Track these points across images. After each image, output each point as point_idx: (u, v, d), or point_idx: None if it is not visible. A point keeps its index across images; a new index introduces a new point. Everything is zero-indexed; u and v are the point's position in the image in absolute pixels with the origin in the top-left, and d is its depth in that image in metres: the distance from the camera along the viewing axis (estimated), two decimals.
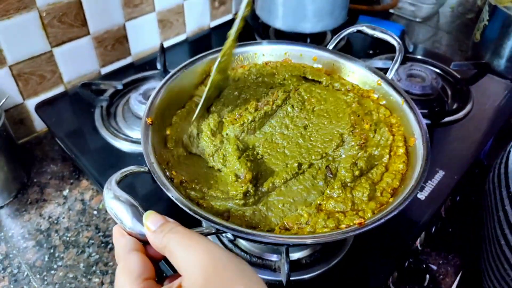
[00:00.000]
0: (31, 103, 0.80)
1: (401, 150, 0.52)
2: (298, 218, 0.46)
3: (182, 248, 0.33)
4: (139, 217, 0.36)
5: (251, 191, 0.48)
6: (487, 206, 0.64)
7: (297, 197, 0.49)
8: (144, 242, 0.37)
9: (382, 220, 0.40)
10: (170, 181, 0.45)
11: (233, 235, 0.40)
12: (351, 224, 0.43)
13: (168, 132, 0.54)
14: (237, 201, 0.47)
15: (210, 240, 0.33)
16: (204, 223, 0.41)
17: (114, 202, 0.37)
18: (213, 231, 0.39)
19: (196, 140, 0.55)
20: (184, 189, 0.47)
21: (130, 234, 0.36)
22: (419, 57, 0.97)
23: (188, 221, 0.41)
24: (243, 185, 0.48)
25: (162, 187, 0.43)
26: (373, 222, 0.41)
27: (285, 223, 0.45)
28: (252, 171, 0.49)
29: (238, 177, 0.49)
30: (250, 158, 0.52)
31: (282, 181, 0.50)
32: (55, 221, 0.67)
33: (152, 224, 0.35)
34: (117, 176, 0.40)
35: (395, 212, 0.41)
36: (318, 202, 0.47)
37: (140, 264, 0.34)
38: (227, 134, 0.55)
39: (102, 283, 0.59)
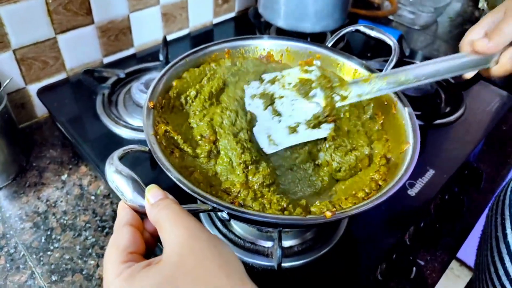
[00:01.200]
0: (33, 88, 0.81)
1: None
2: (232, 184, 0.49)
3: (169, 224, 0.34)
4: (139, 190, 0.38)
5: (214, 151, 0.52)
6: (484, 233, 0.65)
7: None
8: (143, 215, 0.38)
9: (371, 205, 0.42)
10: (155, 134, 0.49)
11: (228, 214, 0.42)
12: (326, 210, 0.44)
13: (174, 83, 0.59)
14: (201, 159, 0.52)
15: (197, 222, 0.34)
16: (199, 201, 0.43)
17: (116, 175, 0.38)
18: (209, 208, 0.41)
19: (190, 100, 0.59)
20: (166, 138, 0.51)
21: (130, 207, 0.38)
22: (415, 61, 1.00)
23: (185, 198, 0.42)
24: (206, 144, 0.52)
25: (162, 167, 0.44)
26: (363, 205, 0.42)
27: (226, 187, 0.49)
28: (216, 134, 0.53)
29: (203, 137, 0.53)
30: (221, 124, 0.55)
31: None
32: (53, 204, 0.68)
33: (152, 197, 0.37)
34: (119, 152, 0.41)
35: (386, 197, 0.43)
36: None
37: (129, 238, 0.35)
38: (220, 101, 0.58)
39: (98, 265, 0.60)
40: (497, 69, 0.53)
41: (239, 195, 0.48)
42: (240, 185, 0.49)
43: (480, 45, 0.51)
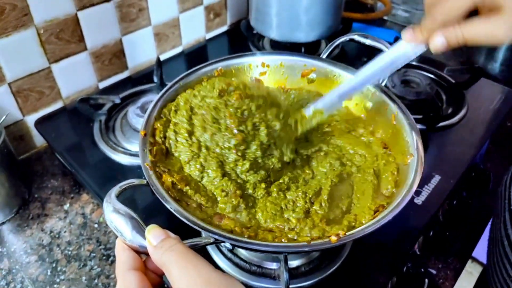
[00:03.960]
0: (30, 119, 0.81)
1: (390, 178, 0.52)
2: (287, 222, 0.47)
3: (177, 269, 0.33)
4: (139, 230, 0.37)
5: (243, 205, 0.48)
6: (496, 208, 0.64)
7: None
8: (144, 254, 0.37)
9: (378, 225, 0.41)
10: (160, 180, 0.46)
11: (231, 244, 0.41)
12: (341, 232, 0.43)
13: (156, 125, 0.53)
14: (226, 212, 0.47)
15: (206, 262, 0.34)
16: (203, 233, 0.42)
17: (114, 215, 0.38)
18: (212, 241, 0.40)
19: (174, 144, 0.52)
20: (176, 190, 0.47)
21: (130, 247, 0.37)
22: (413, 63, 0.98)
23: (187, 231, 0.41)
24: (233, 200, 0.48)
25: (161, 199, 0.44)
26: (369, 226, 0.41)
27: (275, 225, 0.47)
28: (239, 189, 0.49)
29: (227, 193, 0.48)
30: (232, 177, 0.50)
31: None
32: (57, 236, 0.68)
33: (154, 238, 0.36)
34: (116, 189, 0.40)
35: (392, 216, 0.42)
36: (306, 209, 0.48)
37: (137, 285, 0.35)
38: (199, 140, 0.51)
39: None
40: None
41: (295, 229, 0.46)
42: (296, 220, 0.47)
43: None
